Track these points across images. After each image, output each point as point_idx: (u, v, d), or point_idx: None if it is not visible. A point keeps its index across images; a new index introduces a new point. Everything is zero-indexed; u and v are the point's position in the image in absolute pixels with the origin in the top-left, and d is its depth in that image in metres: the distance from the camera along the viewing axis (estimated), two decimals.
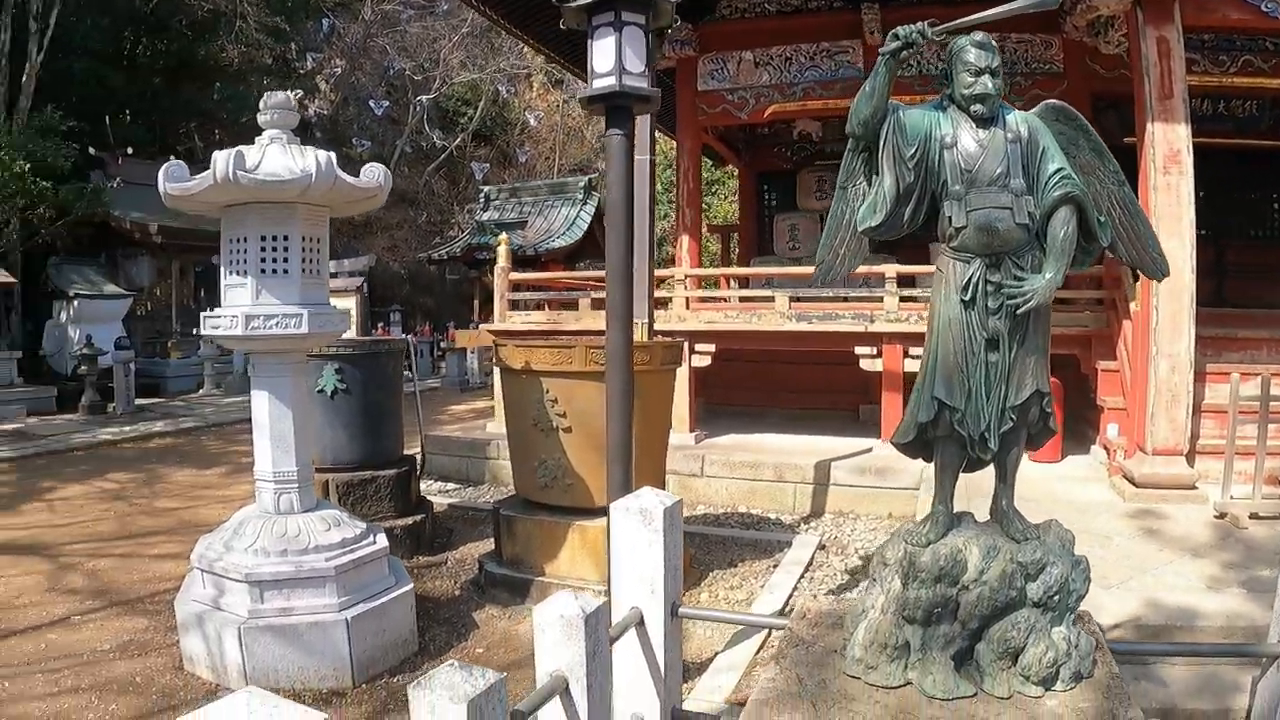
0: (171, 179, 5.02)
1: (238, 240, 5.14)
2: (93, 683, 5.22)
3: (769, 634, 5.42)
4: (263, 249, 5.07)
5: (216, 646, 5.11)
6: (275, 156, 4.98)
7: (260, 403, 5.29)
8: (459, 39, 33.18)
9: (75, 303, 20.18)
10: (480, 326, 11.24)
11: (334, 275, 8.60)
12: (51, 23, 20.93)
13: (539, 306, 11.07)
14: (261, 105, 5.34)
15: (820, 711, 3.01)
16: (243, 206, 5.10)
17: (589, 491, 6.30)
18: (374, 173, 5.31)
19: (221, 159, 4.76)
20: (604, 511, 6.17)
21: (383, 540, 5.60)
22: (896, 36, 3.05)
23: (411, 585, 5.74)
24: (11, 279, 18.54)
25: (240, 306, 5.03)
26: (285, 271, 5.09)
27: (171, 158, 21.80)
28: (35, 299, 21.38)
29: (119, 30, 27.11)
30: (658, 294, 8.62)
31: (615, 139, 5.19)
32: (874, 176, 3.26)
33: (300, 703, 4.72)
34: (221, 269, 5.29)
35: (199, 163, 4.92)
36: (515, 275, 11.25)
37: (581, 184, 25.13)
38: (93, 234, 21.50)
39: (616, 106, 5.17)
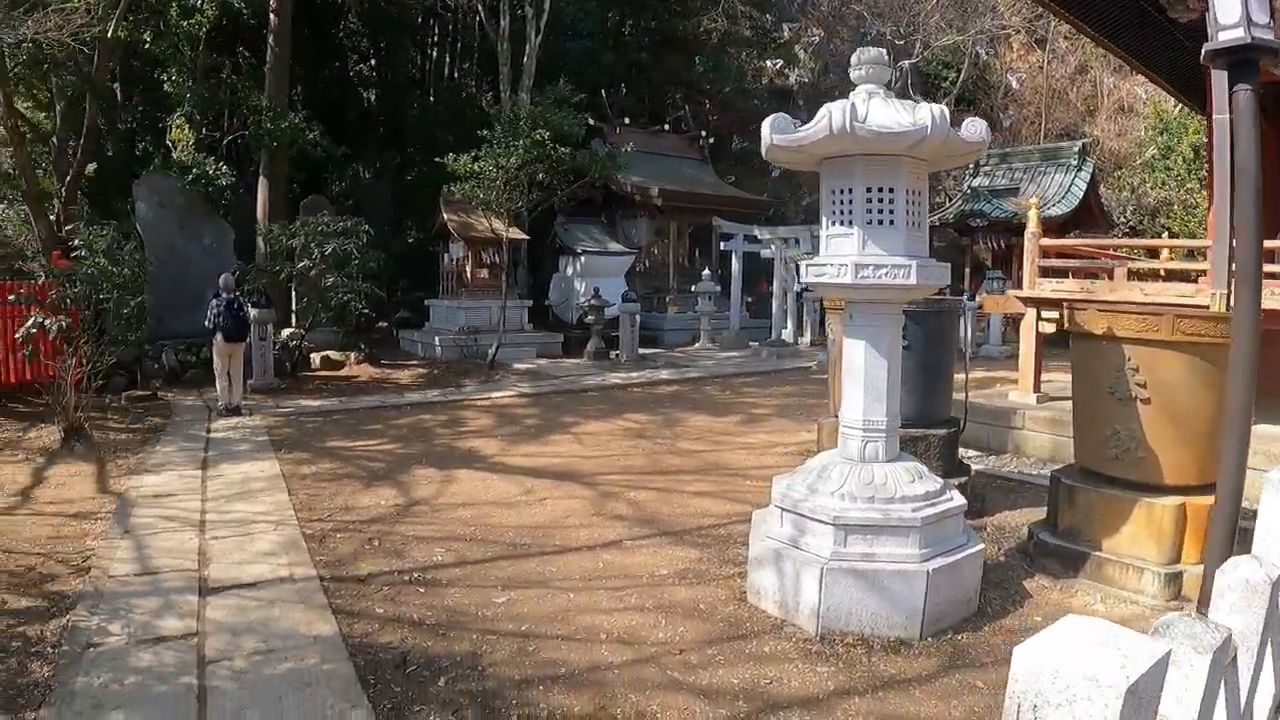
0: (778, 130, 5.21)
1: (841, 191, 5.27)
2: (656, 604, 5.56)
3: None
4: (869, 200, 5.16)
5: (792, 584, 5.28)
6: (880, 109, 5.06)
7: (856, 351, 5.43)
8: (936, 1, 32.37)
9: (582, 258, 22.09)
10: (1007, 292, 10.89)
11: None
12: (546, 7, 22.96)
13: (1065, 274, 10.63)
14: (854, 60, 5.41)
15: None
16: (847, 159, 5.20)
17: (1159, 467, 5.93)
18: (976, 127, 5.26)
19: (836, 110, 4.87)
20: (1173, 490, 5.84)
21: (959, 497, 5.57)
22: None
23: (981, 546, 5.63)
24: (524, 235, 20.53)
25: (847, 256, 5.17)
26: (891, 223, 5.15)
27: (665, 126, 23.40)
28: (538, 254, 23.73)
29: (605, 11, 29.61)
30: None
31: (1243, 95, 4.81)
32: None
33: (869, 649, 4.92)
34: (822, 219, 5.46)
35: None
36: (1046, 241, 10.85)
37: (1075, 149, 23.73)
38: (595, 196, 23.34)
39: (1243, 60, 4.80)
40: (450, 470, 9.29)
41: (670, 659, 4.81)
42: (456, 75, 32.76)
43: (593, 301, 19.40)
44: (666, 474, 9.19)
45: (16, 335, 11.40)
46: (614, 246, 23.28)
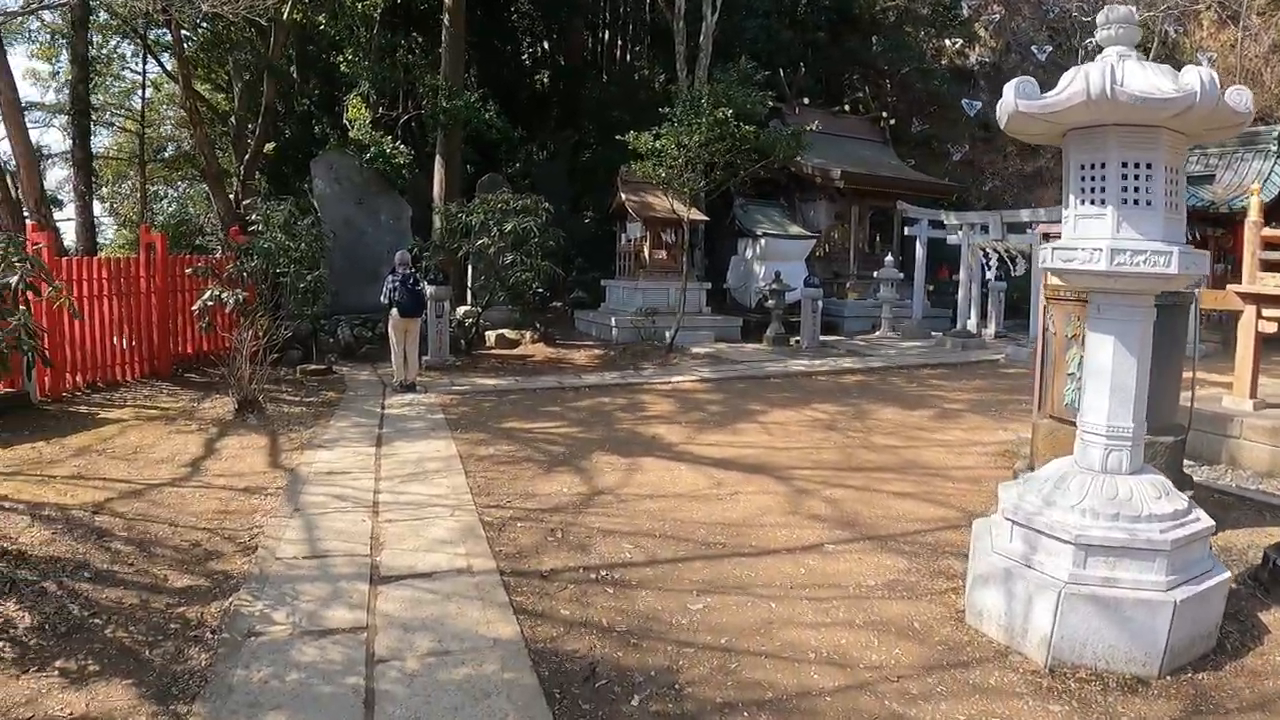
0: (1023, 95, 4.59)
1: (1091, 166, 4.62)
2: (866, 620, 5.12)
3: None
4: (1123, 177, 4.50)
5: (1022, 607, 4.72)
6: (1136, 73, 4.37)
7: (1102, 347, 4.77)
8: None
9: (762, 240, 21.50)
10: (1227, 287, 9.76)
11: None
12: None
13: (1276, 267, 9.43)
14: (1101, 20, 4.74)
15: None
16: (1099, 130, 4.56)
17: None
18: (1242, 96, 4.49)
19: (1095, 71, 4.24)
20: None
21: (1205, 518, 4.85)
22: None
23: (1227, 574, 4.90)
24: (703, 217, 20.05)
25: (1099, 240, 4.51)
26: (1148, 203, 4.48)
27: (844, 107, 22.48)
28: (714, 236, 23.20)
29: None
30: None
31: None
32: None
33: (1104, 687, 4.30)
34: (1068, 197, 4.81)
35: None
36: (1268, 232, 9.67)
37: (1275, 134, 21.79)
38: (773, 178, 22.63)
39: None
40: (634, 458, 8.96)
41: (887, 687, 4.34)
42: (629, 57, 32.60)
43: (774, 285, 18.88)
44: (862, 471, 8.65)
45: (193, 308, 11.56)
46: (794, 229, 22.63)
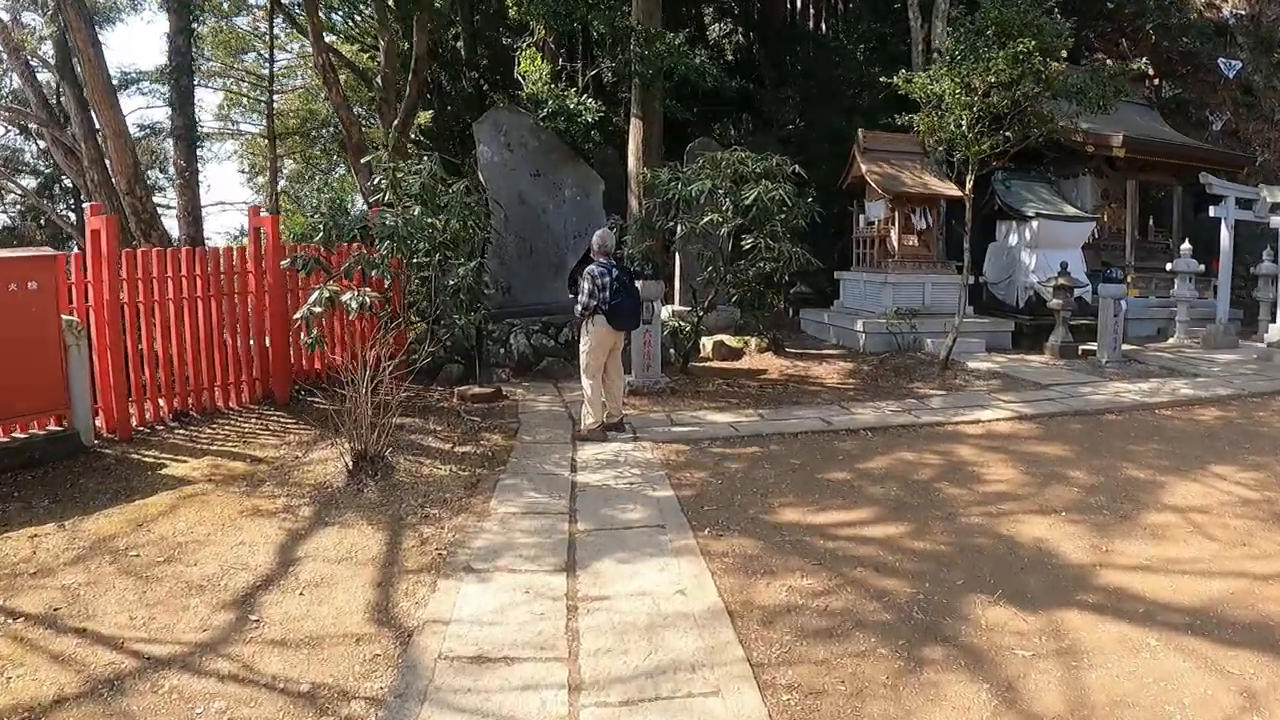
0: None
1: None
2: None
3: None
4: None
5: None
6: None
7: None
8: None
9: (1034, 223, 16.84)
10: None
11: None
12: None
13: None
14: None
15: None
16: None
17: None
18: None
19: None
20: None
21: None
22: None
23: None
24: (964, 193, 15.65)
25: None
26: None
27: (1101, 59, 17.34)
28: (956, 219, 18.48)
29: None
30: None
31: None
32: None
33: None
34: None
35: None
36: None
37: None
38: (1030, 148, 17.98)
39: None
40: (1047, 613, 4.81)
41: None
42: (845, 6, 28.14)
43: (1058, 280, 14.34)
44: None
45: (295, 316, 7.62)
46: (1069, 210, 17.86)
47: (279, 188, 24.77)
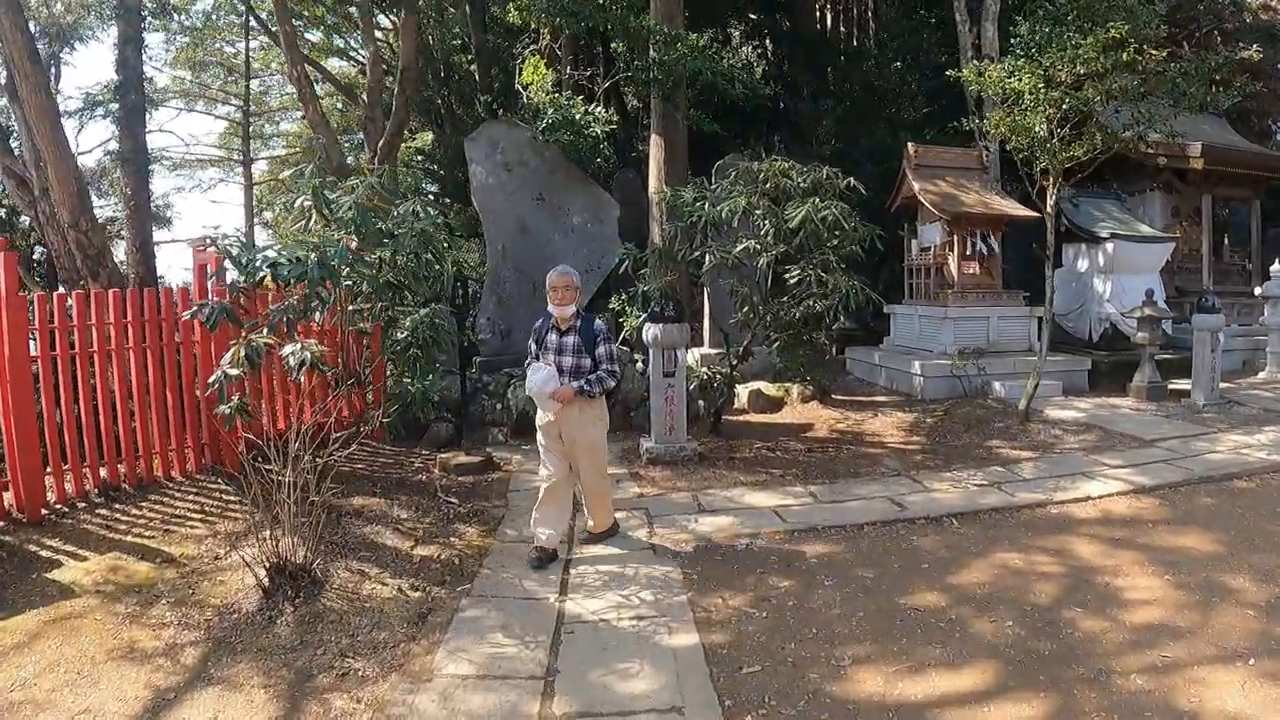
0: None
1: None
2: None
3: None
4: None
5: None
6: None
7: None
8: None
9: (1108, 246, 14.84)
10: None
11: None
12: None
13: None
14: None
15: None
16: None
17: None
18: None
19: None
20: None
21: None
22: None
23: None
24: (1027, 212, 13.79)
25: None
26: None
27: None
28: (1016, 240, 16.51)
29: None
30: None
31: None
32: None
33: None
34: None
35: None
36: None
37: None
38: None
39: None
40: None
41: None
42: (877, 17, 26.41)
43: (1144, 311, 12.40)
44: None
45: (210, 379, 5.61)
46: (1144, 229, 15.85)
47: (268, 218, 23.01)
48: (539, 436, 6.20)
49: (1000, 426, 10.21)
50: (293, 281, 5.27)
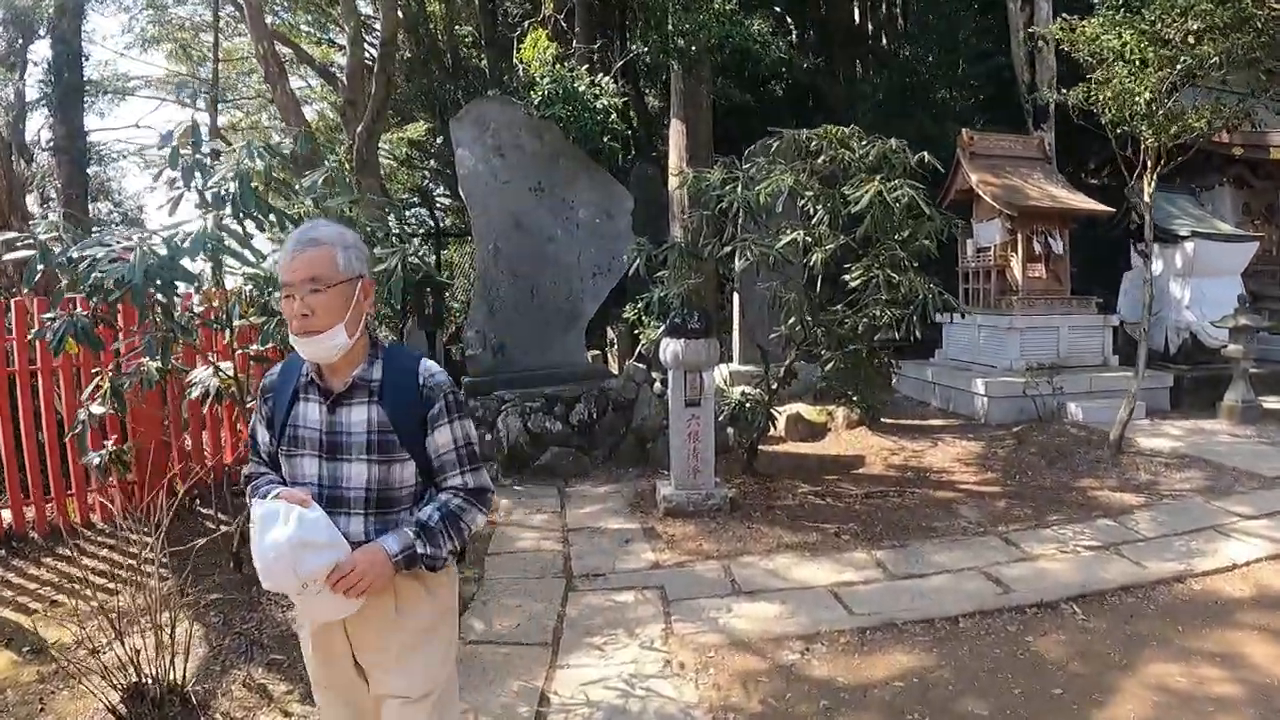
0: None
1: None
2: None
3: None
4: None
5: None
6: None
7: None
8: None
9: (1187, 246, 13.09)
10: None
11: None
12: None
13: None
14: None
15: None
16: None
17: None
18: None
19: None
20: None
21: None
22: None
23: None
24: (1106, 207, 12.29)
25: None
26: None
27: None
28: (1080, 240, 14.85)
29: None
30: None
31: None
32: None
33: None
34: None
35: None
36: None
37: None
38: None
39: None
40: None
41: None
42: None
43: (1238, 320, 10.74)
44: None
45: (78, 417, 3.97)
46: (1224, 227, 14.11)
47: None
48: (305, 652, 2.70)
49: (1088, 459, 8.49)
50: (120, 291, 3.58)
